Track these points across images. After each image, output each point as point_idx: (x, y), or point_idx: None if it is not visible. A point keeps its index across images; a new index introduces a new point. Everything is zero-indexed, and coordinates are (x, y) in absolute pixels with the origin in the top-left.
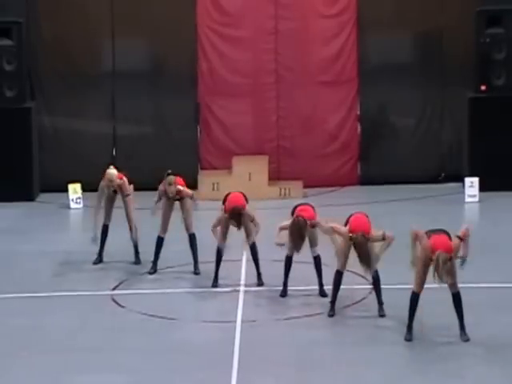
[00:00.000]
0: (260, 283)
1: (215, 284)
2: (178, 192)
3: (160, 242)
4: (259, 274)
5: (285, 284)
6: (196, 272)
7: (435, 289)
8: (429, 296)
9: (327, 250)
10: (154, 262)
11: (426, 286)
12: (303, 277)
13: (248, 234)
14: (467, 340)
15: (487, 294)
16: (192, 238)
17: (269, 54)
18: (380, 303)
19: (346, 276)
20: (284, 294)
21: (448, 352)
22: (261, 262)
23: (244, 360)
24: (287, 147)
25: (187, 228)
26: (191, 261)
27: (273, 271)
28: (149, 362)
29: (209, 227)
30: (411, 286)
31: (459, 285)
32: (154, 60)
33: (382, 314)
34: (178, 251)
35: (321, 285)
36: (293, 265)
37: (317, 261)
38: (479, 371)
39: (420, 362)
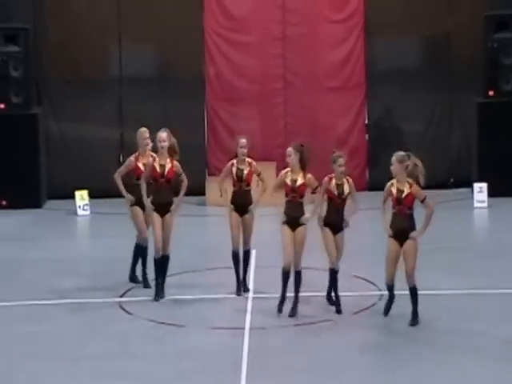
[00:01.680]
0: (245, 289)
1: (239, 293)
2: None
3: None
4: (244, 280)
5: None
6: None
7: (446, 295)
8: (439, 301)
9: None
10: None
11: (438, 292)
12: (311, 282)
13: (246, 240)
14: (414, 324)
15: (498, 300)
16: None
17: (276, 59)
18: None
19: (354, 282)
20: (280, 308)
21: (457, 358)
22: (269, 269)
23: (253, 367)
24: None
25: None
26: (198, 267)
27: (279, 278)
28: (157, 369)
29: (216, 232)
30: (423, 292)
31: (469, 291)
32: (161, 65)
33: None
34: (185, 258)
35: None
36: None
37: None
38: (489, 378)
39: (429, 367)
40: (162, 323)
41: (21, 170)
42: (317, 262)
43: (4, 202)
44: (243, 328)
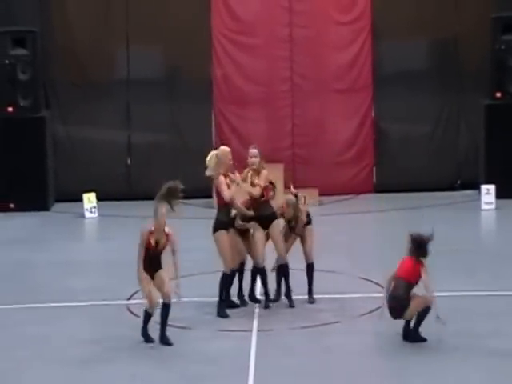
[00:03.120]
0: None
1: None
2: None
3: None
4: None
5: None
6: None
7: (452, 297)
8: (445, 302)
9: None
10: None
11: (444, 294)
12: (317, 285)
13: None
14: (313, 302)
15: (506, 301)
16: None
17: (283, 61)
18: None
19: (360, 284)
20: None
21: (465, 362)
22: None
23: (260, 369)
24: (302, 155)
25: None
26: (205, 270)
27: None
28: (164, 371)
29: None
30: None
31: (475, 293)
32: (168, 67)
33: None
34: (194, 260)
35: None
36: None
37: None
38: (495, 381)
39: (437, 370)
40: (170, 325)
41: (28, 173)
42: (324, 264)
43: (12, 205)
44: (251, 330)
